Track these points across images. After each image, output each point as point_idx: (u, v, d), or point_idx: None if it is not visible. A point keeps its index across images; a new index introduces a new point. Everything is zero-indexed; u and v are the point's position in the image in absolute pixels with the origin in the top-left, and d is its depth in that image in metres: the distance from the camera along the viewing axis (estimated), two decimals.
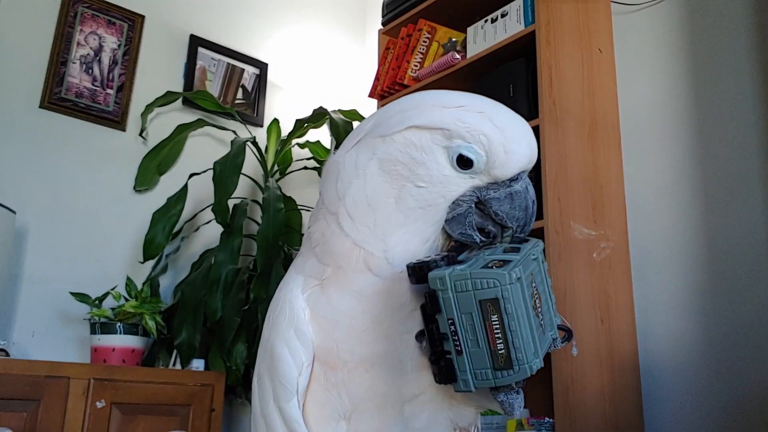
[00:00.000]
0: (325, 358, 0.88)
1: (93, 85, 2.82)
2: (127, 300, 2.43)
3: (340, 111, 2.96)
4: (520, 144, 0.86)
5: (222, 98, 3.20)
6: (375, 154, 0.88)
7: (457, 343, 0.74)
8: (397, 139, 0.87)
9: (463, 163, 0.86)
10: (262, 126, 3.27)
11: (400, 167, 0.87)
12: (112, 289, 2.45)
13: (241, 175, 2.61)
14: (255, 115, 3.31)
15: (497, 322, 0.73)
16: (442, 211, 0.87)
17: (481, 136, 0.85)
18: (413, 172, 0.87)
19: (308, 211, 3.12)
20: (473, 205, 0.87)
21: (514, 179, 0.86)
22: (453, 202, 0.87)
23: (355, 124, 2.87)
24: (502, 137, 0.85)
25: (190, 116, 3.02)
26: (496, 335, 0.73)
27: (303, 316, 0.89)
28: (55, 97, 2.71)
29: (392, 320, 0.86)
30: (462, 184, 0.87)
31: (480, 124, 0.85)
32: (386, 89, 2.79)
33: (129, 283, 2.48)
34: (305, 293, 0.90)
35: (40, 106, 2.68)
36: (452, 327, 0.74)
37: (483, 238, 0.87)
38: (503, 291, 0.72)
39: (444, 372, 0.76)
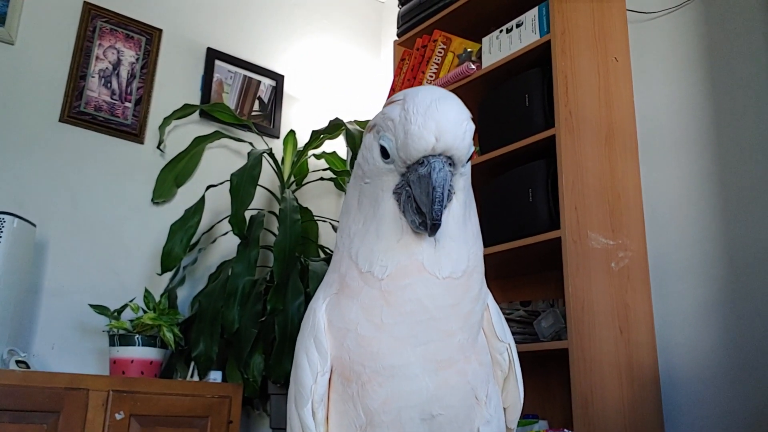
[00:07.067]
0: (341, 369, 0.89)
1: (111, 98, 2.85)
2: (145, 312, 2.44)
3: (356, 122, 2.97)
4: (424, 125, 0.80)
5: (239, 110, 3.22)
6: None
7: None
8: (361, 147, 0.91)
9: (384, 153, 0.85)
10: (278, 137, 3.29)
11: (358, 170, 0.91)
12: (131, 301, 2.47)
13: (258, 187, 2.62)
14: (271, 126, 3.32)
15: None
16: (387, 205, 0.85)
17: (389, 122, 0.84)
18: (363, 170, 0.90)
19: (325, 221, 3.12)
20: (411, 193, 0.82)
21: (421, 163, 0.80)
22: (395, 193, 0.85)
23: None
24: (405, 119, 0.81)
25: (207, 128, 3.04)
26: None
27: (321, 326, 0.91)
28: (75, 111, 2.74)
29: (397, 330, 0.84)
30: (391, 174, 0.85)
31: (392, 111, 0.84)
32: None
33: (147, 295, 2.49)
34: (324, 303, 0.92)
35: (60, 120, 2.71)
36: None
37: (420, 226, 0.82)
38: None
39: None
